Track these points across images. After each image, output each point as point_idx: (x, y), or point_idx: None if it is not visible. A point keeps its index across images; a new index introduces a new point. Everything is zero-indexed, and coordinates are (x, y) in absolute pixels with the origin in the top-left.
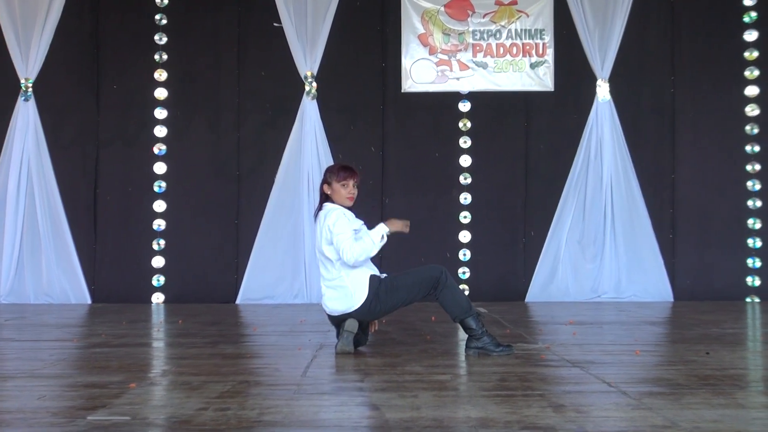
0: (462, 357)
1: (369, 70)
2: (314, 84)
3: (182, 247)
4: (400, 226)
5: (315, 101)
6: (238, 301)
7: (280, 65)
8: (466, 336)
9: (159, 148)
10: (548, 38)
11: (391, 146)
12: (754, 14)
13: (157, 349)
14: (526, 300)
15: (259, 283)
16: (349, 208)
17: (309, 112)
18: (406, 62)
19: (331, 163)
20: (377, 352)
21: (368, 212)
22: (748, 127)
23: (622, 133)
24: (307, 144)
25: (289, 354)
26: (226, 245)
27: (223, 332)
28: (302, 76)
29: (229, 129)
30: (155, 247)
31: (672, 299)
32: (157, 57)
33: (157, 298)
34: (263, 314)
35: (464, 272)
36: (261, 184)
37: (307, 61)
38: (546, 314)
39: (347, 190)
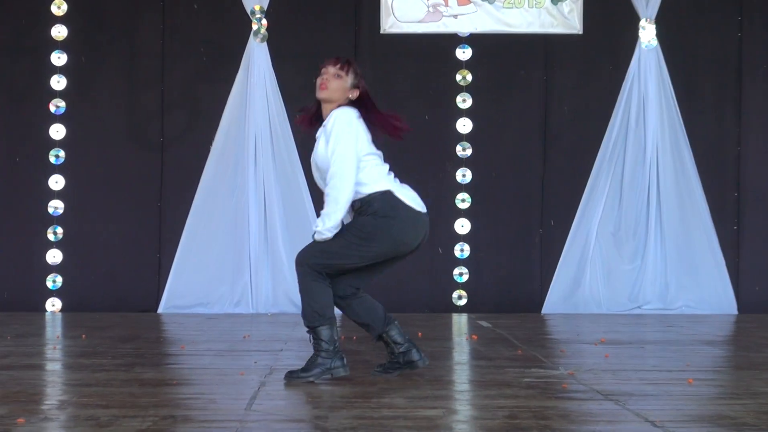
0: (458, 386)
1: (337, 4)
2: (264, 22)
3: (86, 237)
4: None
5: (265, 45)
6: (160, 310)
7: None
8: (473, 358)
9: (56, 106)
10: None
11: None
12: None
13: (52, 373)
14: (543, 311)
15: (189, 287)
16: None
17: (257, 59)
18: None
19: (286, 125)
20: (346, 379)
21: None
22: None
23: (672, 92)
24: (255, 101)
25: (228, 380)
26: (145, 235)
27: (141, 351)
28: (248, 11)
29: (150, 81)
30: (50, 237)
31: (736, 312)
32: None
33: (53, 304)
34: (194, 327)
35: (461, 274)
36: (192, 154)
37: None
38: (569, 330)
39: (320, 78)
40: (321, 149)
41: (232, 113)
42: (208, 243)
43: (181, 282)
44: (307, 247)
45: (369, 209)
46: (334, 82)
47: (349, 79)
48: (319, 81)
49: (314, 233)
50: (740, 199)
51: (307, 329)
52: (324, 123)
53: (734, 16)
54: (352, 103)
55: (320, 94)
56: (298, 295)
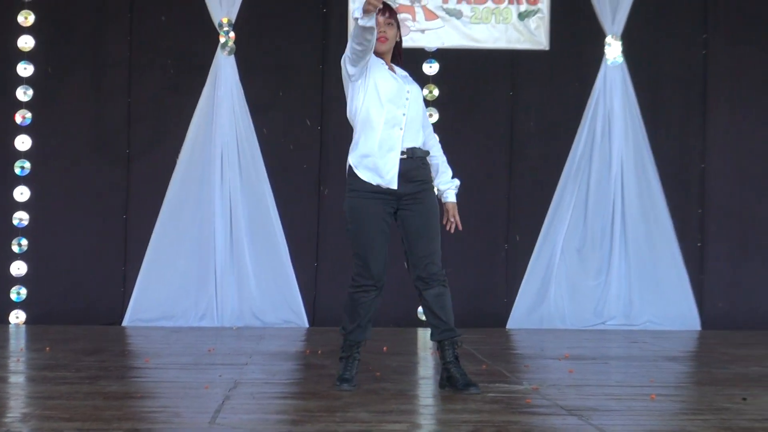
0: (422, 401)
1: (305, 18)
2: (232, 35)
3: (51, 249)
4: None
5: (232, 57)
6: (125, 323)
7: (187, 8)
8: (437, 373)
9: (22, 117)
10: None
11: (332, 119)
12: None
13: (15, 386)
14: (508, 326)
15: (154, 300)
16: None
17: (224, 71)
18: (354, 8)
19: (253, 138)
20: (310, 393)
21: (301, 205)
22: None
23: (637, 108)
24: (222, 114)
25: (193, 394)
26: (111, 248)
27: (106, 364)
28: (216, 24)
29: (117, 93)
30: (15, 249)
31: (699, 327)
32: None
33: (16, 316)
34: (159, 340)
35: None
36: (158, 166)
37: (223, 4)
38: (534, 345)
39: (379, 29)
40: (420, 92)
41: (199, 126)
42: (173, 256)
43: (147, 295)
44: (431, 255)
45: (428, 167)
46: (390, 32)
47: (395, 26)
48: (378, 31)
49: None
50: (704, 216)
51: (457, 339)
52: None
53: (699, 34)
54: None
55: (382, 47)
56: (261, 308)
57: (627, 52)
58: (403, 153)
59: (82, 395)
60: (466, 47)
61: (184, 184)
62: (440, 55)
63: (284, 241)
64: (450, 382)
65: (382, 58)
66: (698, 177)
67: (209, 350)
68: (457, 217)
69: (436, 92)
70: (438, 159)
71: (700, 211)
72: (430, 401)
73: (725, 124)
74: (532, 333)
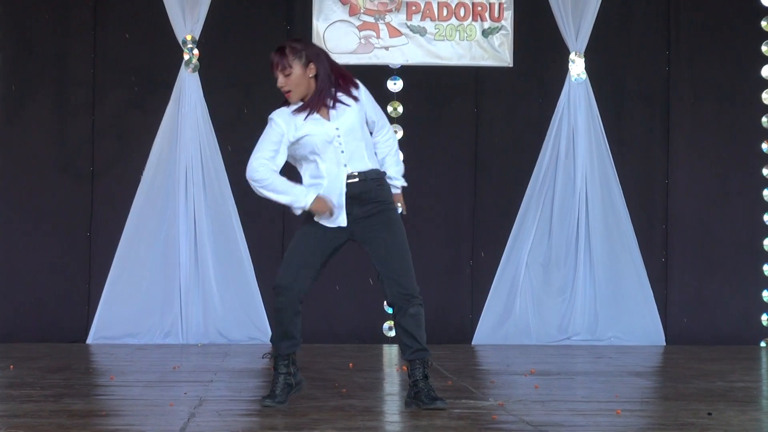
0: (389, 417)
1: (269, 35)
2: (195, 52)
3: (14, 266)
4: (322, 206)
5: (197, 74)
6: (89, 340)
7: (151, 26)
8: (404, 389)
9: None
10: None
11: None
12: None
13: None
14: (474, 342)
15: (119, 317)
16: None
17: (188, 88)
18: (318, 25)
19: (218, 155)
20: (276, 410)
21: (266, 223)
22: (764, 119)
23: (600, 124)
24: (186, 131)
25: (158, 411)
26: (74, 265)
27: (70, 382)
28: (180, 41)
29: (81, 110)
30: None
31: (664, 343)
32: None
33: None
34: (124, 358)
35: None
36: (123, 183)
37: (187, 22)
38: (500, 361)
39: (277, 83)
40: (355, 114)
41: (163, 143)
42: (138, 273)
43: (111, 312)
44: (406, 274)
45: (390, 195)
46: (291, 80)
47: (296, 66)
48: (277, 85)
49: (402, 180)
50: (668, 231)
51: (428, 358)
52: (344, 96)
53: (662, 50)
54: (318, 80)
55: (293, 100)
56: (226, 325)
57: (590, 68)
58: (354, 176)
59: (47, 413)
60: (431, 64)
61: (148, 201)
62: (404, 72)
63: (249, 258)
64: (416, 398)
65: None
66: (662, 193)
67: (174, 368)
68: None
69: (400, 109)
70: (385, 152)
71: (664, 227)
72: (396, 418)
73: (688, 140)
74: (498, 349)
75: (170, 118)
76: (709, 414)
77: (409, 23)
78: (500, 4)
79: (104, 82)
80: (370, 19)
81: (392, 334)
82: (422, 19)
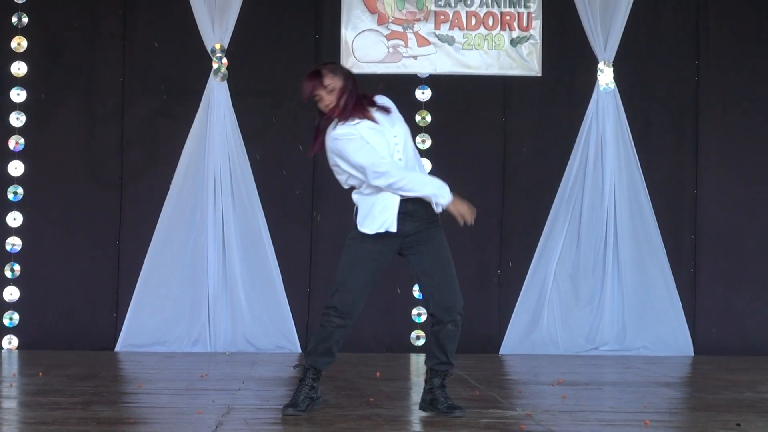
0: (415, 427)
1: (298, 44)
2: (224, 60)
3: (43, 274)
4: (464, 209)
5: (225, 83)
6: (118, 348)
7: (180, 35)
8: (423, 394)
9: (16, 143)
10: (535, 7)
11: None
12: None
13: (7, 411)
14: (501, 352)
15: (147, 325)
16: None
17: (217, 97)
18: (347, 34)
19: (246, 163)
20: (304, 418)
21: (294, 232)
22: None
23: (629, 134)
24: (214, 139)
25: (185, 420)
26: (104, 273)
27: (98, 389)
28: (209, 50)
29: (110, 118)
30: (7, 274)
31: (692, 353)
32: (14, 20)
33: (9, 341)
34: (152, 366)
35: (419, 314)
36: (151, 192)
37: (216, 31)
38: (527, 371)
39: (322, 104)
40: (403, 127)
41: (192, 151)
42: (166, 281)
43: (139, 320)
44: (449, 287)
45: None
46: (330, 97)
47: (336, 82)
48: (322, 107)
49: (442, 196)
50: (697, 242)
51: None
52: (381, 107)
53: (691, 60)
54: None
55: (336, 116)
56: (254, 334)
57: (619, 78)
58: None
59: (76, 420)
60: (459, 73)
61: (176, 209)
62: (433, 81)
63: (277, 266)
64: (432, 404)
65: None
66: (691, 203)
67: (202, 376)
68: (462, 209)
69: (428, 118)
70: None
71: (692, 236)
72: (423, 428)
73: (717, 149)
74: (525, 358)
75: (199, 127)
76: (738, 425)
77: (437, 32)
78: (529, 14)
79: (133, 90)
80: (399, 29)
81: (420, 343)
82: (450, 28)
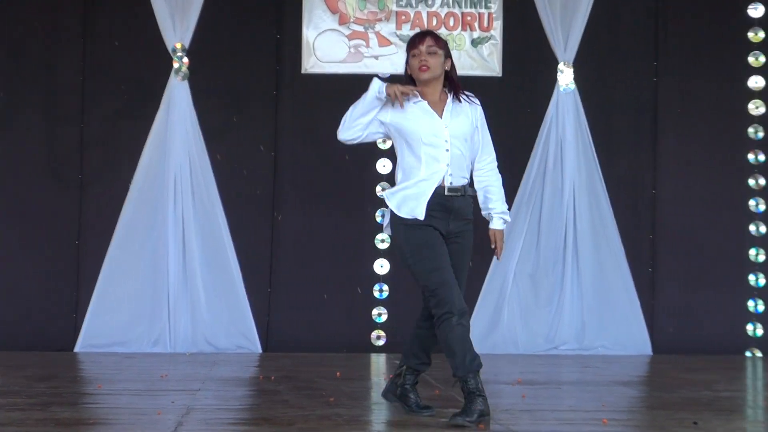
0: (375, 426)
1: (259, 44)
2: (185, 60)
3: (2, 275)
4: (400, 88)
5: (186, 83)
6: (77, 349)
7: (141, 34)
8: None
9: None
10: (495, 7)
11: (286, 145)
12: None
13: None
14: None
15: (107, 326)
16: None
17: (178, 96)
18: (308, 34)
19: (207, 163)
20: (264, 418)
21: (254, 232)
22: (751, 130)
23: (589, 134)
24: (175, 139)
25: (145, 420)
26: (63, 274)
27: (58, 390)
28: (170, 49)
29: (70, 118)
30: None
31: (650, 352)
32: None
33: None
34: (111, 366)
35: (380, 314)
36: (111, 192)
37: (177, 30)
38: (487, 371)
39: (417, 59)
40: (468, 121)
41: (152, 151)
42: (126, 282)
43: (99, 321)
44: (462, 287)
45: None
46: (432, 60)
47: (442, 52)
48: (416, 63)
49: (506, 221)
50: (655, 241)
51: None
52: (462, 99)
53: (650, 61)
54: (447, 76)
55: (423, 76)
56: (214, 334)
57: (579, 79)
58: (456, 191)
59: (34, 422)
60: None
61: (137, 209)
62: (394, 81)
63: (237, 266)
64: (402, 399)
65: (425, 91)
66: (649, 202)
67: (162, 376)
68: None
69: None
70: (489, 182)
71: (651, 236)
72: (383, 427)
73: (676, 150)
74: (485, 358)
75: (159, 127)
76: (695, 423)
77: (398, 32)
78: (490, 14)
79: (93, 90)
80: (360, 29)
81: (380, 343)
82: (412, 28)
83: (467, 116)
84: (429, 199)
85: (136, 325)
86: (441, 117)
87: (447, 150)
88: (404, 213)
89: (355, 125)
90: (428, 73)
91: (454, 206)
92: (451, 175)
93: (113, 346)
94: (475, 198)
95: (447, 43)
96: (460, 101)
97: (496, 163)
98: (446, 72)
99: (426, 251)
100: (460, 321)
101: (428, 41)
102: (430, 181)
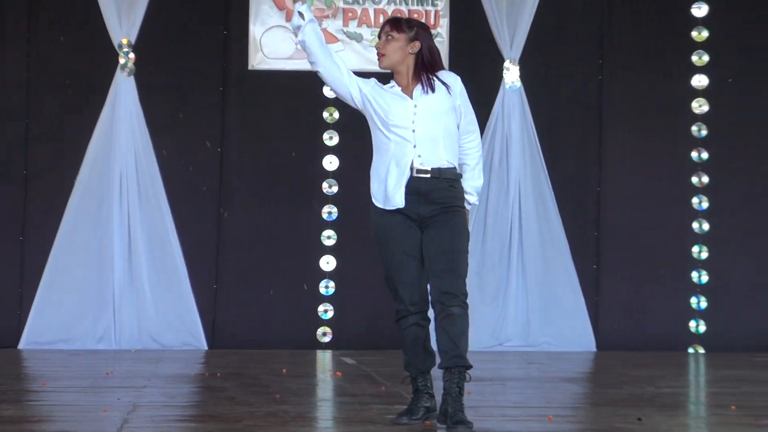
0: (321, 423)
1: (206, 40)
2: (131, 56)
3: None
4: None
5: (132, 78)
6: (21, 346)
7: (87, 29)
8: (337, 395)
9: None
10: (442, 5)
11: (233, 141)
12: None
13: None
14: None
15: (51, 322)
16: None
17: (124, 92)
18: (255, 30)
19: (152, 159)
20: (210, 415)
21: (200, 228)
22: (694, 128)
23: (534, 132)
24: (121, 135)
25: (91, 417)
26: (6, 270)
27: (1, 387)
28: (116, 45)
29: (14, 114)
30: None
31: (594, 349)
32: None
33: None
34: (56, 363)
35: (326, 311)
36: (56, 188)
37: (123, 25)
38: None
39: (378, 44)
40: (440, 100)
41: (98, 147)
42: (71, 278)
43: (43, 318)
44: (452, 273)
45: (462, 195)
46: (388, 46)
47: (400, 36)
48: (377, 45)
49: (469, 202)
50: (600, 238)
51: (466, 371)
52: (436, 79)
53: (595, 60)
54: (416, 58)
55: (381, 64)
56: (160, 331)
57: (525, 76)
58: (425, 171)
59: None
60: (367, 70)
61: (82, 205)
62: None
63: (183, 263)
64: (445, 415)
65: (396, 78)
66: (594, 200)
67: (107, 373)
68: None
69: (336, 115)
70: (464, 160)
71: (596, 233)
72: (329, 424)
73: (620, 148)
74: None
75: (105, 122)
76: (639, 419)
77: (345, 30)
78: (436, 12)
79: (38, 85)
80: None
81: (326, 340)
82: (359, 25)
83: (442, 94)
84: (396, 180)
85: (81, 322)
86: (411, 98)
87: (413, 131)
88: (374, 194)
89: (317, 60)
90: (384, 61)
91: (422, 189)
92: (420, 156)
93: (58, 343)
94: (456, 182)
95: (419, 26)
96: (431, 83)
97: (477, 141)
98: (421, 54)
99: (388, 245)
100: (417, 321)
101: (386, 28)
102: (397, 161)
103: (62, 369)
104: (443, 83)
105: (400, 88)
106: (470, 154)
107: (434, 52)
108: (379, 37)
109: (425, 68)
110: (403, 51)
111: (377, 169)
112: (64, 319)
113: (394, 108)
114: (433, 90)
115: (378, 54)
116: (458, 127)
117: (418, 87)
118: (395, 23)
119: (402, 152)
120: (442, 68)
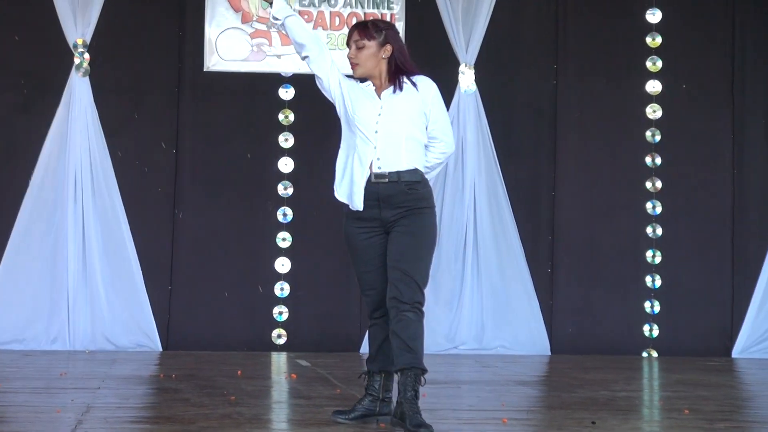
0: (276, 425)
1: (161, 40)
2: (86, 56)
3: None
4: None
5: (87, 79)
6: None
7: (41, 28)
8: (291, 397)
9: None
10: (398, 8)
11: (187, 142)
12: None
13: None
14: (362, 351)
15: (4, 323)
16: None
17: (79, 92)
18: (211, 32)
19: (107, 160)
20: (164, 417)
21: (155, 229)
22: (648, 134)
23: (489, 136)
24: (75, 135)
25: (44, 418)
26: None
27: None
28: (71, 45)
29: None
30: None
31: (549, 352)
32: None
33: None
34: (9, 364)
35: (281, 313)
36: (9, 188)
37: (78, 25)
38: None
39: (348, 55)
40: (407, 102)
41: (52, 147)
42: (24, 279)
43: None
44: (407, 280)
45: (429, 195)
46: (361, 55)
47: (372, 43)
48: (348, 55)
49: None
50: (554, 242)
51: (421, 374)
52: (407, 83)
53: (550, 64)
54: (389, 62)
55: (356, 74)
56: (114, 332)
57: (480, 80)
58: (383, 177)
59: None
60: None
61: (36, 206)
62: (296, 80)
63: (138, 264)
64: (401, 419)
65: (372, 83)
66: (549, 204)
67: (61, 374)
68: None
69: (291, 117)
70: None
71: (550, 237)
72: (284, 426)
73: (575, 153)
74: None
75: (60, 123)
76: (593, 423)
77: None
78: (392, 15)
79: None
80: (263, 27)
81: (281, 342)
82: (314, 27)
83: (412, 96)
84: (359, 176)
85: (34, 323)
86: (380, 99)
87: (376, 131)
88: (340, 196)
89: (302, 48)
90: (358, 70)
91: (381, 194)
92: (379, 159)
93: (11, 344)
94: (418, 183)
95: (388, 28)
96: (400, 87)
97: (442, 151)
98: (394, 57)
99: (353, 253)
100: (378, 322)
101: (355, 36)
102: (359, 164)
103: (15, 369)
104: (416, 88)
105: (373, 88)
106: (430, 162)
107: (405, 53)
108: (348, 45)
109: (399, 70)
110: (376, 57)
111: (342, 161)
112: (17, 320)
113: (361, 107)
114: (402, 92)
115: (351, 64)
116: (427, 131)
117: (390, 89)
118: (363, 30)
119: (364, 150)
120: (412, 65)
